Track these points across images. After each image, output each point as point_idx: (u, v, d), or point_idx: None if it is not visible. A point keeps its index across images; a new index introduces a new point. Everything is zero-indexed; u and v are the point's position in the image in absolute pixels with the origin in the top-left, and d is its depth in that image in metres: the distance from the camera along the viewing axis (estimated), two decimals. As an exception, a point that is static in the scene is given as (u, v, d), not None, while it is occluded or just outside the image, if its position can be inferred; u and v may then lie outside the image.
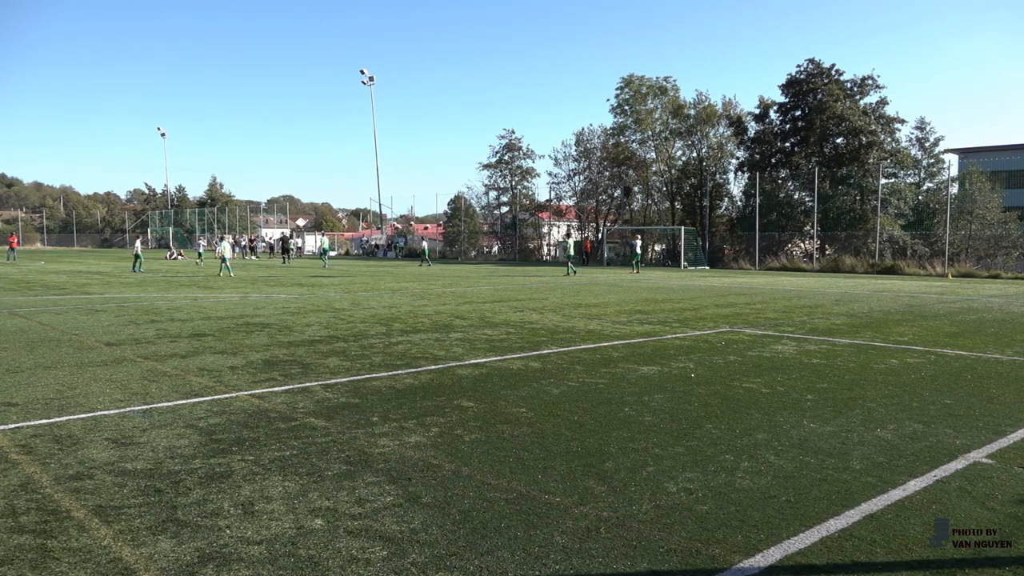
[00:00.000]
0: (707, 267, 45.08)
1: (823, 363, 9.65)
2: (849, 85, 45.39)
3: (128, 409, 6.82)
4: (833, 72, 45.62)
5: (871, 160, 43.08)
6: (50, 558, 3.72)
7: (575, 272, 32.91)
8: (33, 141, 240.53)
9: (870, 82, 45.31)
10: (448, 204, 65.05)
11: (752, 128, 49.67)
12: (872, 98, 45.42)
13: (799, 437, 6.04)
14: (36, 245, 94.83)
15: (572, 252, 34.11)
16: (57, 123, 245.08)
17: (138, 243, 39.02)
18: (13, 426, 6.20)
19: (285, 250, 47.59)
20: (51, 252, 72.76)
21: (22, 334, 11.78)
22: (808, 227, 44.85)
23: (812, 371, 9.06)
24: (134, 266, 35.68)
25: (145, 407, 6.90)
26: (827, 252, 43.38)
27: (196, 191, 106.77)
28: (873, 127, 44.01)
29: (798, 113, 46.52)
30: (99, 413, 6.66)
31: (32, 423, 6.30)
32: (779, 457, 5.48)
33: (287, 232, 66.13)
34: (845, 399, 7.49)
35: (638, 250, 38.25)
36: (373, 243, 69.08)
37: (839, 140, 45.18)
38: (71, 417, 6.50)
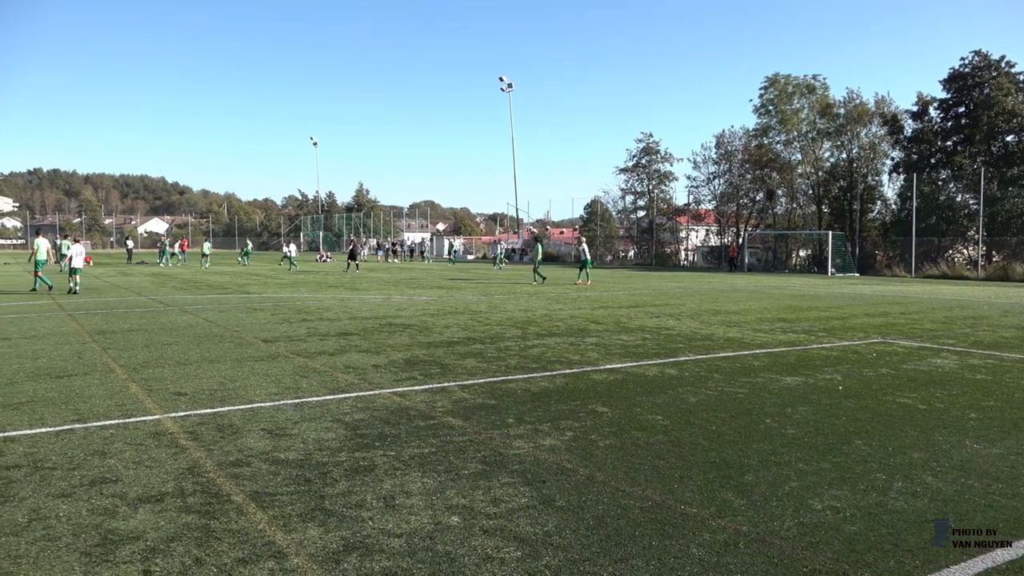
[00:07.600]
0: (857, 274, 42.63)
1: (989, 379, 8.90)
2: (1021, 78, 41.73)
3: (282, 402, 7.25)
4: (1003, 64, 42.10)
5: (1047, 159, 39.41)
6: (213, 538, 4.01)
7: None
8: (199, 152, 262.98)
9: (1047, 74, 41.48)
10: (584, 208, 65.16)
11: (909, 127, 46.68)
12: (1050, 91, 41.57)
13: (960, 458, 5.60)
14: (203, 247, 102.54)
15: (540, 257, 32.99)
16: (222, 135, 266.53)
17: (293, 246, 43.63)
18: (183, 414, 6.74)
19: (394, 252, 51.15)
20: (215, 254, 78.53)
21: (190, 329, 12.80)
22: (972, 232, 41.58)
23: (976, 387, 8.38)
24: (287, 264, 41.19)
25: (296, 401, 7.32)
26: (994, 259, 39.99)
27: (344, 196, 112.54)
28: (1050, 123, 40.25)
29: (962, 110, 43.25)
30: (256, 405, 7.12)
31: (198, 412, 6.83)
32: (937, 479, 5.10)
33: (393, 238, 69.91)
34: (1015, 419, 6.87)
35: (587, 255, 31.66)
36: (510, 247, 70.00)
37: (1010, 138, 41.67)
38: (232, 408, 6.99)
